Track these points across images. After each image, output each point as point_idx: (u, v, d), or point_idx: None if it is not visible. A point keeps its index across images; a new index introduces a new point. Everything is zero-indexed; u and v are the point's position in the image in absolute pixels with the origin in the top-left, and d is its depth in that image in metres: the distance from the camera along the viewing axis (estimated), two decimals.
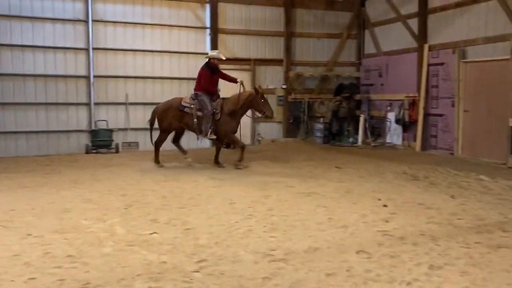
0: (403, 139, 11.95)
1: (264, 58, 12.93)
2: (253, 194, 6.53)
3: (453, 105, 10.39)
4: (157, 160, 9.03)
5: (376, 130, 12.83)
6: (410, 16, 11.51)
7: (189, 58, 12.14)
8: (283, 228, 4.90)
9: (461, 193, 6.56)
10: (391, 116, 12.21)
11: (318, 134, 12.98)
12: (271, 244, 4.37)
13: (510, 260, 3.92)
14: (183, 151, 9.29)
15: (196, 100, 8.72)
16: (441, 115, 10.81)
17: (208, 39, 12.27)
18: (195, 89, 8.94)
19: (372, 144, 12.27)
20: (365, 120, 12.62)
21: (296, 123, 13.28)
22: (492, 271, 3.69)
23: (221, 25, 12.36)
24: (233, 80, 9.13)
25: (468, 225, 4.99)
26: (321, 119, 13.26)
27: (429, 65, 11.05)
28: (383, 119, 12.52)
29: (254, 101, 8.76)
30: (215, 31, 12.22)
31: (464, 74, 10.17)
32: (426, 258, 3.99)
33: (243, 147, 8.76)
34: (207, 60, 9.01)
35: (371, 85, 13.23)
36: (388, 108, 12.39)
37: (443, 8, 10.72)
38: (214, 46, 12.14)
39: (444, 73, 10.65)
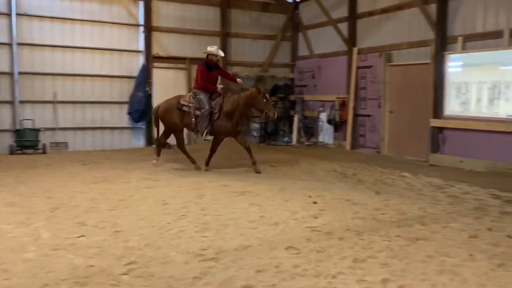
0: (334, 138, 12.42)
1: (200, 57, 12.76)
2: (186, 194, 6.50)
3: (379, 106, 10.95)
4: (192, 161, 8.62)
5: (310, 129, 13.20)
6: (340, 20, 11.98)
7: (122, 56, 11.84)
8: (216, 227, 4.93)
9: (386, 190, 6.93)
10: (323, 116, 12.63)
11: (255, 133, 13.14)
12: (203, 243, 4.39)
13: (427, 251, 4.21)
14: (158, 153, 8.81)
15: (195, 99, 8.33)
16: (368, 116, 11.35)
17: (141, 36, 12.01)
18: (193, 87, 8.60)
19: (306, 143, 12.63)
20: (299, 120, 12.96)
21: None
22: (410, 262, 3.94)
23: (155, 23, 12.15)
24: (233, 79, 8.86)
25: (391, 220, 5.29)
26: (257, 119, 13.42)
27: (358, 67, 11.56)
28: (316, 119, 12.91)
29: (256, 100, 8.25)
30: (149, 29, 11.99)
31: (389, 76, 10.76)
32: (351, 252, 4.19)
33: (212, 152, 8.40)
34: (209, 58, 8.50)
35: (305, 86, 13.61)
36: (321, 108, 12.80)
37: (371, 14, 11.26)
38: (148, 44, 11.95)
39: (372, 75, 11.19)
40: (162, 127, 8.84)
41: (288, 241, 4.46)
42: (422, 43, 9.83)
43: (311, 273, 3.69)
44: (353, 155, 10.83)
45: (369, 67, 11.28)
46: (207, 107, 8.20)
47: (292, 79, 14.11)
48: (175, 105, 8.52)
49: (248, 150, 8.27)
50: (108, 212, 5.55)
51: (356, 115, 11.71)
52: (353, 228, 4.91)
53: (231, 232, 4.78)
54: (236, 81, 8.66)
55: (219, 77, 8.97)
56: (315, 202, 6.05)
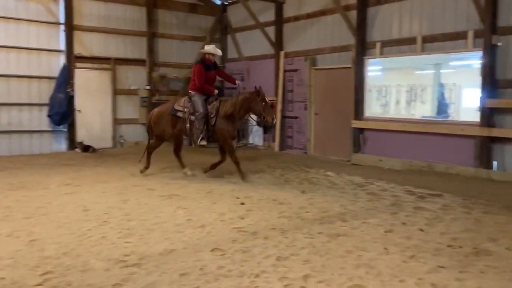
0: (264, 140, 12.61)
1: (125, 57, 12.50)
2: (110, 199, 6.28)
3: (305, 108, 11.29)
4: (146, 165, 8.09)
5: (240, 131, 13.29)
6: (268, 24, 12.19)
7: (41, 55, 11.20)
8: (140, 232, 4.82)
9: (311, 188, 7.16)
10: (253, 118, 12.74)
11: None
12: (125, 249, 4.27)
13: (346, 246, 4.40)
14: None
15: (190, 103, 7.81)
16: (296, 118, 11.66)
17: (62, 35, 11.44)
18: (189, 88, 8.05)
19: (236, 146, 12.67)
20: None
21: None
22: (330, 258, 4.10)
23: (77, 21, 11.62)
24: (231, 80, 8.38)
25: (314, 217, 5.47)
26: None
27: (285, 71, 11.83)
28: (246, 121, 13.01)
29: (254, 103, 7.61)
30: (70, 28, 11.45)
31: (314, 80, 11.12)
32: (275, 250, 4.28)
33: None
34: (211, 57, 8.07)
35: (234, 88, 13.62)
36: None
37: (297, 18, 11.58)
38: (69, 43, 11.41)
39: (298, 79, 11.51)
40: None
41: (214, 243, 4.46)
42: (344, 48, 10.27)
43: (235, 273, 3.72)
44: (281, 156, 11.06)
45: (296, 70, 11.58)
46: (201, 110, 7.63)
47: (222, 81, 14.10)
48: (169, 110, 8.01)
49: (236, 164, 7.75)
50: (24, 220, 5.22)
51: (284, 117, 11.97)
52: (278, 227, 5.01)
53: (156, 236, 4.70)
54: (234, 83, 8.25)
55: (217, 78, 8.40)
56: (242, 203, 6.10)
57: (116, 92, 12.34)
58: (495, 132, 7.74)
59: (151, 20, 12.76)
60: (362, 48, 9.77)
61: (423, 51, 8.78)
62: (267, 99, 7.70)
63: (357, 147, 9.93)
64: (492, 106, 7.76)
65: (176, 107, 7.94)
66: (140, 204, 6.03)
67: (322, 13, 10.86)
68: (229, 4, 13.74)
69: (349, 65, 10.08)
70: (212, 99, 7.84)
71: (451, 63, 8.58)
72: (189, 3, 13.50)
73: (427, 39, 8.72)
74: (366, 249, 4.31)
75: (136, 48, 12.66)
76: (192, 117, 7.69)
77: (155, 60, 12.94)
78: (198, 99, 7.72)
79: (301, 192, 6.89)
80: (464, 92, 8.42)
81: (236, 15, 13.55)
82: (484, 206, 5.97)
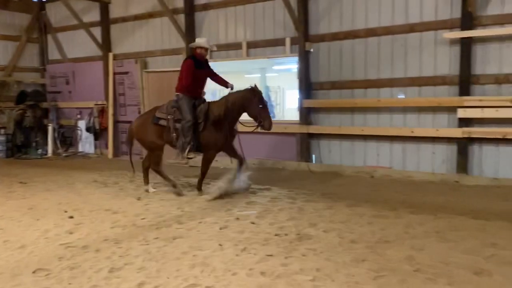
0: (96, 147, 11.91)
1: None
2: None
3: (139, 112, 10.97)
4: (173, 184, 6.97)
5: (68, 139, 12.32)
6: (93, 24, 11.53)
7: None
8: None
9: (147, 194, 7.00)
10: (82, 124, 11.97)
11: (0, 147, 11.53)
12: None
13: (182, 248, 4.41)
14: (146, 180, 7.26)
15: (174, 109, 6.64)
16: (130, 122, 11.24)
17: None
18: (176, 89, 6.80)
19: (64, 155, 11.71)
20: (54, 130, 11.94)
21: None
22: (166, 262, 4.07)
23: None
24: (223, 83, 7.05)
25: (150, 223, 5.36)
26: (2, 130, 11.79)
27: (115, 73, 11.35)
28: (74, 127, 12.14)
29: (248, 104, 6.52)
30: None
31: (147, 83, 10.92)
32: (107, 262, 4.07)
33: (203, 174, 6.88)
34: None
35: (59, 92, 12.60)
36: (78, 116, 12.11)
37: (124, 19, 11.21)
38: None
39: (129, 81, 11.17)
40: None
41: (36, 263, 4.04)
42: (175, 51, 10.31)
43: None
44: (115, 163, 10.58)
45: (126, 73, 11.21)
46: (189, 117, 6.53)
47: (43, 85, 12.89)
48: (150, 119, 6.91)
49: (202, 175, 6.92)
50: None
51: (117, 122, 11.49)
52: (111, 238, 4.78)
53: None
54: (227, 86, 7.03)
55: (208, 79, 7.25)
56: (71, 217, 5.66)
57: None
58: (312, 129, 8.67)
59: None
60: (192, 52, 9.92)
61: (248, 56, 9.34)
62: (264, 100, 6.66)
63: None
64: (308, 106, 8.66)
65: (158, 114, 6.89)
66: None
67: (150, 15, 10.72)
68: (48, 1, 12.57)
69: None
70: (199, 101, 6.80)
71: (274, 68, 9.32)
72: None
73: (251, 45, 9.31)
74: (202, 248, 4.40)
75: None
76: (178, 125, 6.66)
77: None
78: (185, 104, 6.61)
79: (137, 199, 6.69)
80: (287, 94, 9.23)
81: (57, 14, 12.50)
82: (306, 196, 6.62)
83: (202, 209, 6.00)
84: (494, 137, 6.95)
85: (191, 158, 6.93)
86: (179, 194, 6.81)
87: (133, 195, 6.94)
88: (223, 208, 6.03)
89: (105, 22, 11.45)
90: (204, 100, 6.89)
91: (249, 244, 4.47)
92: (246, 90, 6.60)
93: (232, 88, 6.88)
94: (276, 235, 4.77)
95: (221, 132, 6.64)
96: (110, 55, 11.34)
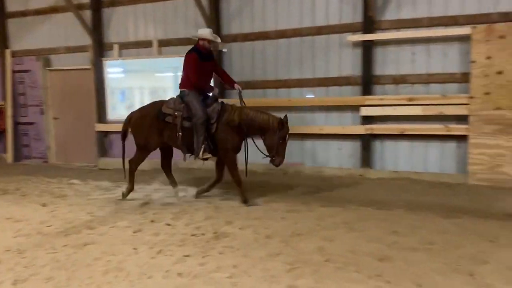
0: None
1: None
2: None
3: (42, 113, 10.33)
4: (130, 187, 6.50)
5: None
6: None
7: None
8: None
9: (53, 200, 6.59)
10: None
11: None
12: None
13: (94, 254, 4.23)
14: (174, 182, 6.67)
15: (183, 105, 6.07)
16: (32, 123, 10.54)
17: None
18: (180, 85, 6.28)
19: None
20: None
21: None
22: (77, 269, 3.88)
23: None
24: (230, 82, 6.45)
25: (57, 230, 5.06)
26: None
27: (14, 71, 10.53)
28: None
29: (270, 132, 5.89)
30: None
31: (50, 81, 10.27)
32: (10, 274, 3.78)
33: (239, 183, 6.11)
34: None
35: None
36: None
37: (24, 14, 10.42)
38: None
39: (31, 80, 10.42)
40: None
41: None
42: (80, 48, 9.80)
43: None
44: (16, 167, 9.84)
45: (27, 71, 10.45)
46: (201, 113, 5.95)
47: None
48: (155, 113, 6.25)
49: (239, 184, 6.18)
50: None
51: (17, 124, 10.66)
52: (14, 248, 4.45)
53: None
54: (233, 86, 6.41)
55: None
56: None
57: None
58: None
59: None
60: (100, 49, 9.54)
61: (159, 54, 9.15)
62: (287, 138, 6.00)
63: (103, 151, 9.66)
64: None
65: (165, 110, 6.22)
66: None
67: (53, 10, 10.07)
68: None
69: (88, 67, 9.68)
70: (211, 100, 6.20)
71: None
72: None
73: (163, 43, 9.13)
74: (115, 253, 4.25)
75: None
76: (187, 123, 6.08)
77: None
78: (194, 100, 6.05)
79: (42, 205, 6.28)
80: None
81: None
82: (223, 194, 6.67)
83: (115, 213, 5.79)
84: (393, 133, 7.54)
85: (206, 159, 6.27)
86: (125, 196, 6.52)
87: (37, 201, 6.51)
88: (137, 211, 5.88)
89: (1, 16, 10.55)
90: (215, 97, 6.30)
91: (165, 246, 4.41)
92: (275, 117, 5.99)
93: (240, 91, 6.38)
94: (192, 235, 4.75)
95: (238, 135, 6.13)
96: (8, 51, 10.48)
